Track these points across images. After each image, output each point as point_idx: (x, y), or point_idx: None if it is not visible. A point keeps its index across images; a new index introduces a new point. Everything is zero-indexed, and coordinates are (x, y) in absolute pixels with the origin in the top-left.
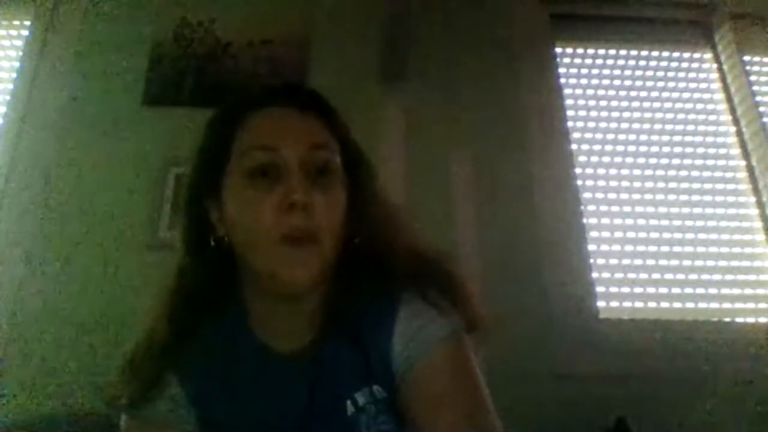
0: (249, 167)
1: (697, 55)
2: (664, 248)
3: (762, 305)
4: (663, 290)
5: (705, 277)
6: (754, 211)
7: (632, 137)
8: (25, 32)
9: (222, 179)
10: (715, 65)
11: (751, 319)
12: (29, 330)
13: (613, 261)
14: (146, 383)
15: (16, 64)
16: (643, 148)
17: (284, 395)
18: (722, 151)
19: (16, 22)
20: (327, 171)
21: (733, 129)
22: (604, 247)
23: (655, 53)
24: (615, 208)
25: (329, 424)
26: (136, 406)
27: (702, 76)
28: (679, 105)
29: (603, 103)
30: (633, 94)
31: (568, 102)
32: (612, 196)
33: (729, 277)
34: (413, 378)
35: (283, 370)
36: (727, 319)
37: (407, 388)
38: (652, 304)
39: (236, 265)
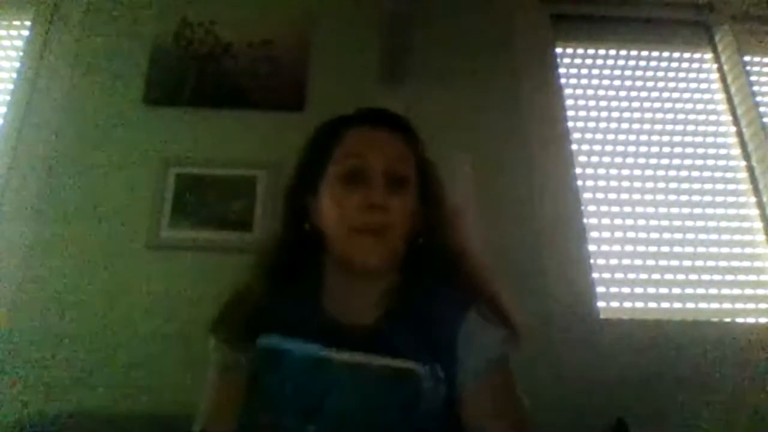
0: (342, 171)
1: (697, 56)
2: (665, 248)
3: (762, 305)
4: (663, 290)
5: (705, 277)
6: (754, 211)
7: (632, 137)
8: (25, 32)
9: (320, 179)
10: (715, 65)
11: (751, 320)
12: (29, 330)
13: (613, 261)
14: (236, 331)
15: (16, 64)
16: (643, 149)
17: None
18: (722, 151)
19: (16, 22)
20: (403, 180)
21: (733, 129)
22: (605, 247)
23: (655, 53)
24: (615, 208)
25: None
26: (228, 346)
27: (702, 76)
28: (679, 105)
29: (603, 103)
30: (633, 94)
31: (569, 102)
32: (612, 196)
33: (729, 277)
34: (472, 388)
35: (343, 338)
36: (728, 320)
37: (466, 394)
38: (652, 305)
39: (322, 248)
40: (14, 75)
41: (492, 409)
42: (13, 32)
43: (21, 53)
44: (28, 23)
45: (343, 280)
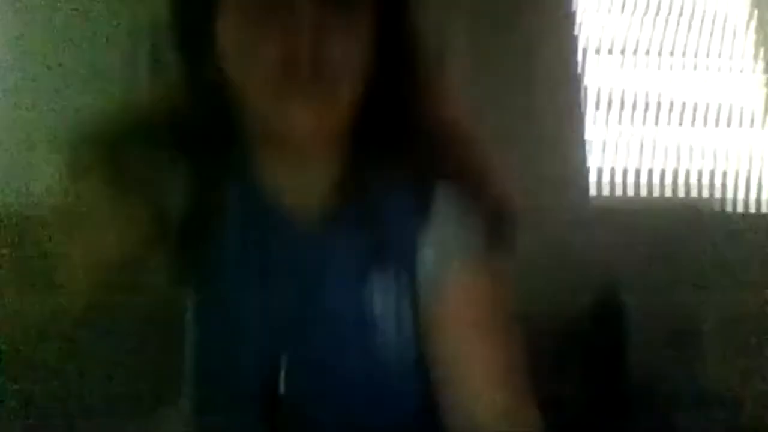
0: None
1: None
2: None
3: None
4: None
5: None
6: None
7: None
8: None
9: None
10: None
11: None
12: None
13: (609, 138)
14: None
15: None
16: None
17: (288, 268)
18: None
19: None
20: None
21: None
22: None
23: None
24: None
25: (339, 306)
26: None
27: None
28: None
29: None
30: None
31: None
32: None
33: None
34: (439, 286)
35: (291, 233)
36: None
37: (433, 295)
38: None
39: (236, 105)
40: None
41: (466, 316)
42: None
43: None
44: None
45: (270, 153)
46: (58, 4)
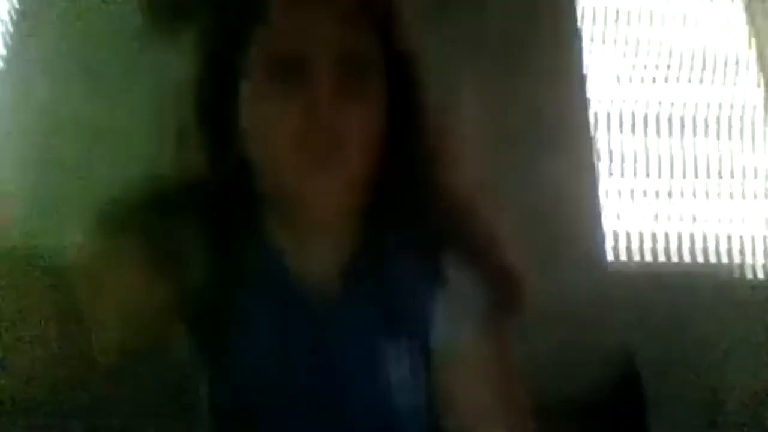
0: (266, 61)
1: None
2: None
3: None
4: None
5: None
6: None
7: None
8: None
9: (240, 71)
10: None
11: None
12: None
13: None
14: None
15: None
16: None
17: (305, 337)
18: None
19: None
20: (363, 69)
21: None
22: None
23: None
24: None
25: (355, 375)
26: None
27: None
28: None
29: None
30: None
31: None
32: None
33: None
34: (449, 357)
35: (308, 302)
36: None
37: (443, 364)
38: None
39: (254, 180)
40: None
41: (476, 385)
42: None
43: None
44: None
45: (288, 224)
46: (86, 72)
